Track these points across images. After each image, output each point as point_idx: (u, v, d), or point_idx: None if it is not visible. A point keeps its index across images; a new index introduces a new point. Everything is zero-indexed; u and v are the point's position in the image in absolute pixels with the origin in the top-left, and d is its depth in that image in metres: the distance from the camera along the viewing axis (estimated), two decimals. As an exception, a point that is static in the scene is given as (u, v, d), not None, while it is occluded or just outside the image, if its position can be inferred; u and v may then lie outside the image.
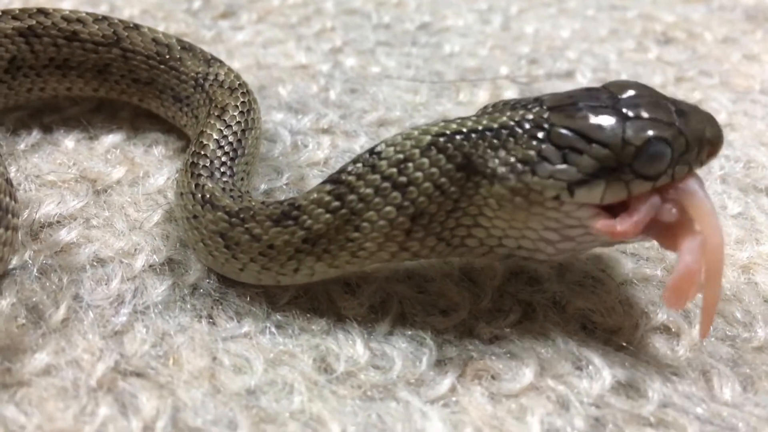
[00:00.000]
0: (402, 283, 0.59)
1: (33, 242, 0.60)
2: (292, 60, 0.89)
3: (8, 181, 0.57)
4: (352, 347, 0.55)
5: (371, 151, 0.54)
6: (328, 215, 0.53)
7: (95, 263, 0.59)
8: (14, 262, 0.58)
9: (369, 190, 0.53)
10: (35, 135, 0.72)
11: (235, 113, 0.65)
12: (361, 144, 0.76)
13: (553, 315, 0.58)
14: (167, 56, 0.71)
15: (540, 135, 0.52)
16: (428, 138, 0.53)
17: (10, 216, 0.56)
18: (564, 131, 0.51)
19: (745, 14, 1.08)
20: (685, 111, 0.52)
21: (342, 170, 0.54)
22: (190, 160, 0.61)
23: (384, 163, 0.53)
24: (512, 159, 0.52)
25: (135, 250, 0.61)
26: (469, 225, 0.54)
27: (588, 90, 0.55)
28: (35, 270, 0.58)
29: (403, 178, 0.53)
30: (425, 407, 0.51)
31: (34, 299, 0.56)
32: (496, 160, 0.52)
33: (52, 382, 0.51)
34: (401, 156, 0.53)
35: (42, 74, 0.72)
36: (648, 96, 0.53)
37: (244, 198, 0.58)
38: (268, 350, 0.54)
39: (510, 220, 0.53)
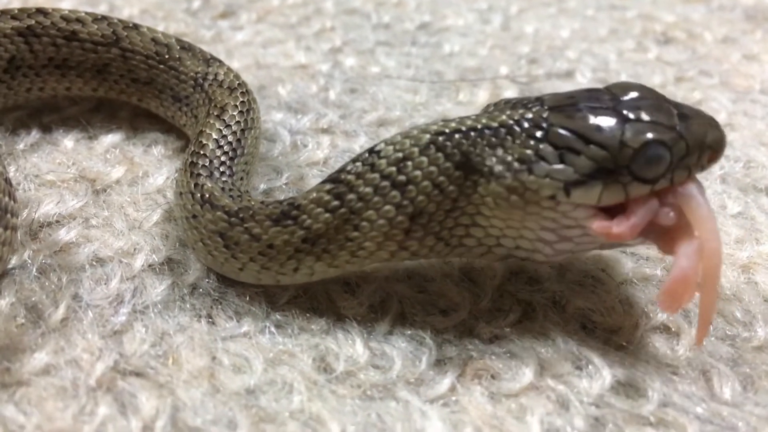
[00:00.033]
0: (402, 283, 0.59)
1: (32, 242, 0.60)
2: (292, 60, 0.89)
3: (7, 181, 0.57)
4: (351, 347, 0.55)
5: (371, 150, 0.54)
6: (327, 214, 0.53)
7: (94, 263, 0.59)
8: (13, 261, 0.58)
9: (368, 189, 0.53)
10: (34, 135, 0.72)
11: (235, 113, 0.65)
12: (360, 144, 0.76)
13: (553, 314, 0.58)
14: (166, 56, 0.71)
15: (538, 134, 0.52)
16: (427, 136, 0.53)
17: (9, 215, 0.56)
18: (562, 131, 0.51)
19: (744, 14, 1.07)
20: (687, 115, 0.52)
21: (341, 169, 0.54)
22: (190, 160, 0.61)
23: (383, 161, 0.53)
24: (509, 158, 0.52)
25: (134, 249, 0.61)
26: (467, 224, 0.54)
27: (589, 91, 0.55)
28: (34, 269, 0.58)
29: (402, 177, 0.52)
30: (425, 407, 0.51)
31: (33, 299, 0.56)
32: (494, 159, 0.52)
33: (51, 382, 0.51)
34: (400, 155, 0.53)
35: (41, 74, 0.72)
36: (650, 99, 0.53)
37: (243, 198, 0.58)
38: (268, 350, 0.54)
39: (507, 219, 0.53)
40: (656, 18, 1.05)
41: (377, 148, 0.54)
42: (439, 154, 0.52)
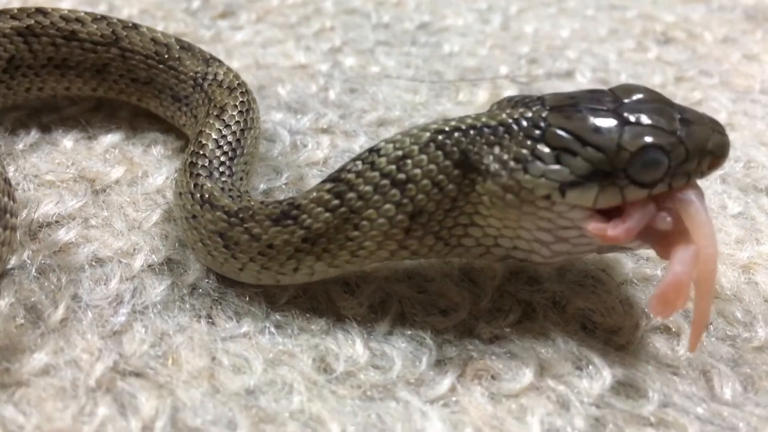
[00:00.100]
0: (402, 283, 0.59)
1: (31, 242, 0.60)
2: (292, 60, 0.89)
3: (7, 181, 0.57)
4: (351, 347, 0.55)
5: (371, 149, 0.54)
6: (327, 214, 0.53)
7: (94, 263, 0.59)
8: (13, 261, 0.58)
9: (368, 188, 0.53)
10: (34, 135, 0.72)
11: (234, 113, 0.65)
12: (360, 144, 0.76)
13: (553, 315, 0.58)
14: (166, 56, 0.71)
15: (536, 134, 0.51)
16: (427, 135, 0.53)
17: (8, 216, 0.56)
18: (560, 132, 0.51)
19: (744, 14, 1.07)
20: (690, 120, 0.51)
21: (342, 169, 0.54)
22: (189, 160, 0.60)
23: (383, 160, 0.53)
24: (506, 156, 0.51)
25: (134, 249, 0.61)
26: (465, 224, 0.54)
27: (592, 92, 0.54)
28: (34, 270, 0.58)
29: (401, 175, 0.52)
30: (425, 407, 0.51)
31: (32, 299, 0.56)
32: (491, 157, 0.52)
33: (50, 382, 0.51)
34: (400, 153, 0.53)
35: (40, 74, 0.71)
36: (653, 102, 0.53)
37: (243, 198, 0.58)
38: (268, 350, 0.54)
39: (503, 219, 0.52)
40: (656, 18, 1.05)
41: (378, 147, 0.54)
42: (439, 153, 0.52)
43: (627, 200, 0.50)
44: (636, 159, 0.50)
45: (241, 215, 0.55)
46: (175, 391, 0.51)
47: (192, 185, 0.58)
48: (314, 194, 0.54)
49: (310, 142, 0.75)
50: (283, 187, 0.69)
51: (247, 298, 0.57)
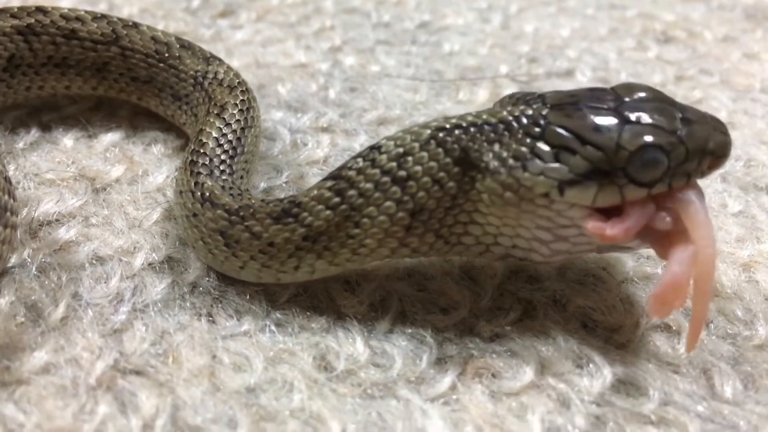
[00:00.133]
0: (402, 281, 0.59)
1: (32, 240, 0.60)
2: (292, 59, 0.89)
3: (7, 180, 0.57)
4: (352, 345, 0.55)
5: (372, 147, 0.54)
6: (328, 212, 0.53)
7: (94, 261, 0.59)
8: (13, 260, 0.58)
9: (369, 185, 0.53)
10: (34, 133, 0.72)
11: (235, 111, 0.65)
12: (360, 142, 0.76)
13: (554, 313, 0.58)
14: (166, 54, 0.71)
15: (535, 132, 0.51)
16: (428, 132, 0.53)
17: (9, 214, 0.56)
18: (559, 130, 0.51)
19: (744, 13, 1.08)
20: (691, 120, 0.51)
21: (343, 166, 0.54)
22: (190, 159, 0.60)
23: (384, 157, 0.53)
24: (505, 154, 0.51)
25: (134, 248, 0.61)
26: (465, 222, 0.54)
27: (593, 90, 0.54)
28: (34, 268, 0.58)
29: (402, 173, 0.52)
30: (425, 405, 0.51)
31: (33, 297, 0.56)
32: (491, 155, 0.52)
33: (51, 381, 0.50)
34: (401, 150, 0.53)
35: (41, 72, 0.71)
36: (654, 101, 0.52)
37: (243, 196, 0.58)
38: (268, 348, 0.54)
39: (503, 217, 0.52)
40: (656, 17, 1.05)
41: (379, 144, 0.54)
42: (439, 150, 0.52)
43: (626, 199, 0.50)
44: (635, 158, 0.49)
45: (241, 213, 0.55)
46: (176, 389, 0.51)
47: (192, 183, 0.58)
48: (315, 192, 0.54)
49: (310, 140, 0.75)
50: (284, 185, 0.69)
51: (248, 297, 0.57)
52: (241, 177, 0.62)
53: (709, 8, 1.09)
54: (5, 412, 0.48)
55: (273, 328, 0.56)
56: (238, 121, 0.65)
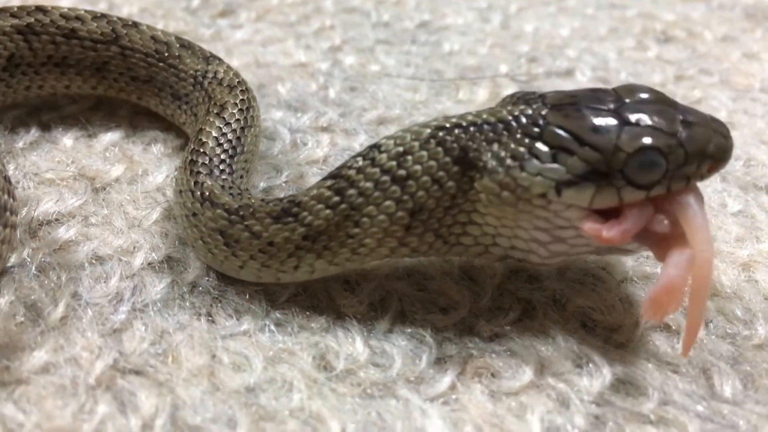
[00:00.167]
0: (402, 281, 0.59)
1: (31, 240, 0.60)
2: (292, 58, 0.89)
3: (7, 179, 0.57)
4: (351, 345, 0.55)
5: (372, 146, 0.54)
6: (327, 211, 0.53)
7: (94, 261, 0.59)
8: (13, 259, 0.58)
9: (368, 184, 0.53)
10: (34, 133, 0.72)
11: (234, 111, 0.65)
12: (360, 142, 0.76)
13: (553, 313, 0.58)
14: (166, 54, 0.71)
15: (534, 132, 0.51)
16: (428, 131, 0.53)
17: (8, 214, 0.56)
18: (558, 131, 0.51)
19: (744, 13, 1.08)
20: (691, 122, 0.51)
21: (343, 165, 0.54)
22: (189, 158, 0.60)
23: (384, 156, 0.53)
24: (503, 153, 0.51)
25: (134, 248, 0.61)
26: (464, 222, 0.54)
27: (594, 91, 0.54)
28: (34, 268, 0.58)
29: (402, 171, 0.52)
30: (425, 405, 0.51)
31: (32, 297, 0.56)
32: (489, 154, 0.52)
33: (50, 380, 0.50)
34: (401, 149, 0.53)
35: (40, 72, 0.71)
36: (655, 103, 0.52)
37: (243, 195, 0.58)
38: (268, 348, 0.54)
39: (500, 217, 0.52)
40: (656, 16, 1.05)
41: (379, 143, 0.54)
42: (439, 149, 0.52)
43: (624, 201, 0.50)
44: (633, 160, 0.49)
45: (241, 213, 0.55)
46: (175, 389, 0.51)
47: (192, 183, 0.58)
48: (315, 191, 0.54)
49: (310, 140, 0.75)
50: (283, 185, 0.69)
51: (247, 296, 0.57)
52: (241, 176, 0.62)
53: (709, 8, 1.09)
54: (5, 412, 0.48)
55: (272, 327, 0.56)
56: (237, 120, 0.65)
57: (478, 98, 0.84)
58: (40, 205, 0.63)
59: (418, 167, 0.52)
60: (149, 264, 0.59)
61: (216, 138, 0.62)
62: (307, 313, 0.57)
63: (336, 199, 0.53)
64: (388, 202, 0.53)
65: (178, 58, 0.71)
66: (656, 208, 0.50)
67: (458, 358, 0.54)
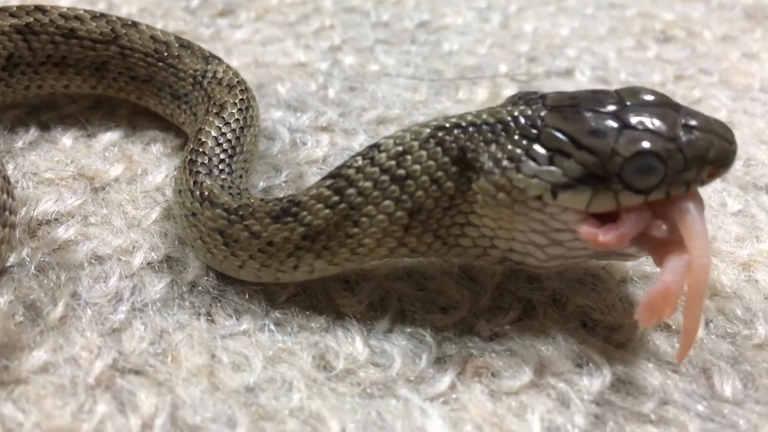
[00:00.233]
0: (401, 281, 0.59)
1: (31, 240, 0.60)
2: (291, 58, 0.89)
3: (6, 179, 0.57)
4: (351, 345, 0.55)
5: (372, 145, 0.54)
6: (327, 210, 0.53)
7: (93, 261, 0.59)
8: (12, 259, 0.58)
9: (368, 184, 0.53)
10: (33, 132, 0.72)
11: (234, 110, 0.65)
12: (360, 142, 0.76)
13: (553, 312, 0.57)
14: (165, 53, 0.71)
15: (532, 134, 0.51)
16: (428, 131, 0.53)
17: (7, 213, 0.56)
18: (555, 133, 0.50)
19: (744, 12, 1.08)
20: (693, 127, 0.50)
21: (342, 165, 0.54)
22: (189, 158, 0.60)
23: (383, 155, 0.53)
24: (501, 154, 0.51)
25: (133, 247, 0.61)
26: (462, 223, 0.54)
27: (595, 93, 0.53)
28: (33, 267, 0.58)
29: (401, 171, 0.52)
30: (425, 404, 0.51)
31: (31, 297, 0.55)
32: (487, 155, 0.52)
33: (50, 380, 0.50)
34: (400, 148, 0.53)
35: (39, 72, 0.71)
36: (658, 106, 0.51)
37: (242, 195, 0.58)
38: (267, 348, 0.54)
39: (497, 219, 0.52)
40: (656, 16, 1.05)
41: (378, 143, 0.53)
42: (438, 149, 0.52)
43: (622, 206, 0.49)
44: (630, 164, 0.48)
45: (240, 212, 0.55)
46: (175, 388, 0.51)
47: (191, 183, 0.58)
48: (314, 191, 0.54)
49: (309, 140, 0.75)
50: (283, 185, 0.69)
51: (247, 296, 0.57)
52: (240, 176, 0.62)
53: (709, 8, 1.09)
54: (4, 412, 0.48)
55: (272, 327, 0.56)
56: (237, 120, 0.65)
57: (477, 98, 0.84)
58: (40, 205, 0.63)
59: (417, 167, 0.52)
60: (148, 264, 0.59)
61: (215, 138, 0.62)
62: (307, 312, 0.57)
63: (335, 198, 0.53)
64: (387, 202, 0.53)
65: (178, 58, 0.71)
66: (655, 213, 0.50)
67: (458, 357, 0.54)
